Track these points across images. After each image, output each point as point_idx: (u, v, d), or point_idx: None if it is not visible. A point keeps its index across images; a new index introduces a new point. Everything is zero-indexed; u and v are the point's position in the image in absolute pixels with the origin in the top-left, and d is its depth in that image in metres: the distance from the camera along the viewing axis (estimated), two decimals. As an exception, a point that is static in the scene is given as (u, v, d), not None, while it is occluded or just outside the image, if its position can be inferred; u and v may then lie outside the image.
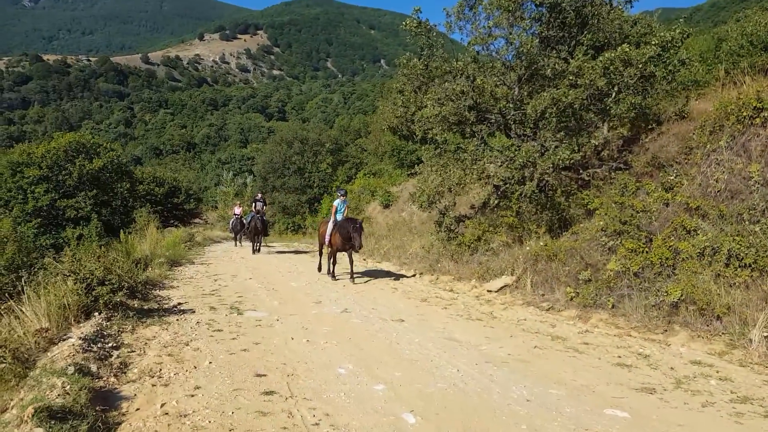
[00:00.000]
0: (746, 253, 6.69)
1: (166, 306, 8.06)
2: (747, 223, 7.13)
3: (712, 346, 6.09)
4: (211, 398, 4.41)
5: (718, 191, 7.93)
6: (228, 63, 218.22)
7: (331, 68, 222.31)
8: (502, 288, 9.67)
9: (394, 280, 11.52)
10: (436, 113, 10.70)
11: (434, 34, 11.04)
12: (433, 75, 11.30)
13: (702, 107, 10.34)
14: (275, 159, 34.67)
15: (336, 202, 11.95)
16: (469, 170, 10.88)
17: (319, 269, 12.65)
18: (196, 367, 5.16)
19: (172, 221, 31.50)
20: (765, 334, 5.87)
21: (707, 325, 6.37)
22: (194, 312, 7.68)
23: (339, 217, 11.69)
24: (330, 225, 11.73)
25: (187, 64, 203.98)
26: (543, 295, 8.78)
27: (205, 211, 39.79)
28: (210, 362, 5.32)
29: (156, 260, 12.51)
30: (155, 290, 9.43)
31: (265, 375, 5.03)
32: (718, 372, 5.36)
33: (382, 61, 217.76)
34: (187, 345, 5.93)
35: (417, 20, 10.97)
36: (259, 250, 17.92)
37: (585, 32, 10.53)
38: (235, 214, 22.04)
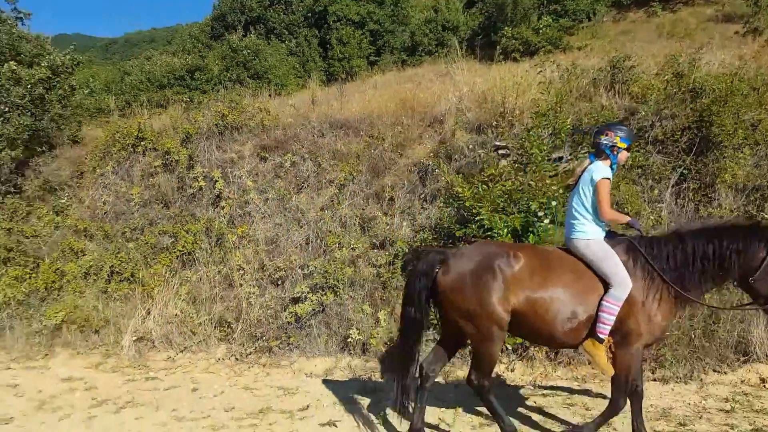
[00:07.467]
0: (125, 268, 7.51)
1: None
2: (125, 240, 7.99)
3: (90, 359, 6.49)
4: None
5: (105, 213, 8.56)
6: None
7: None
8: None
9: None
10: None
11: None
12: None
13: (99, 134, 10.92)
14: None
15: (593, 173, 3.77)
16: None
17: None
18: None
19: None
20: (134, 339, 6.73)
21: (86, 341, 6.74)
22: None
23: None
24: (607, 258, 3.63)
25: None
26: None
27: None
28: None
29: None
30: None
31: None
32: (86, 383, 5.73)
33: None
34: None
35: None
36: None
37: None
38: None
